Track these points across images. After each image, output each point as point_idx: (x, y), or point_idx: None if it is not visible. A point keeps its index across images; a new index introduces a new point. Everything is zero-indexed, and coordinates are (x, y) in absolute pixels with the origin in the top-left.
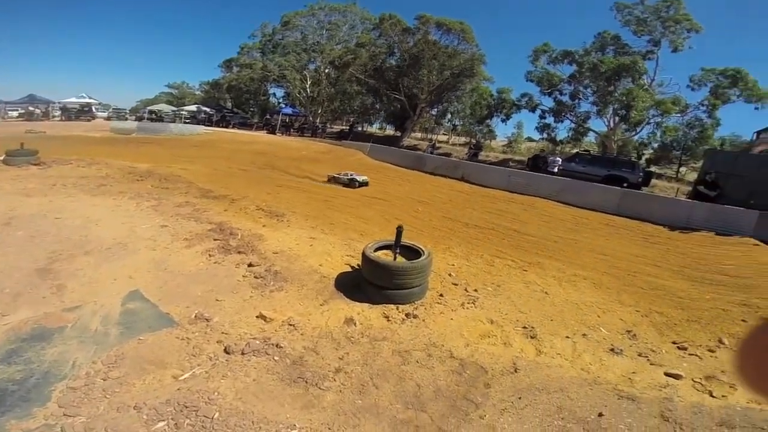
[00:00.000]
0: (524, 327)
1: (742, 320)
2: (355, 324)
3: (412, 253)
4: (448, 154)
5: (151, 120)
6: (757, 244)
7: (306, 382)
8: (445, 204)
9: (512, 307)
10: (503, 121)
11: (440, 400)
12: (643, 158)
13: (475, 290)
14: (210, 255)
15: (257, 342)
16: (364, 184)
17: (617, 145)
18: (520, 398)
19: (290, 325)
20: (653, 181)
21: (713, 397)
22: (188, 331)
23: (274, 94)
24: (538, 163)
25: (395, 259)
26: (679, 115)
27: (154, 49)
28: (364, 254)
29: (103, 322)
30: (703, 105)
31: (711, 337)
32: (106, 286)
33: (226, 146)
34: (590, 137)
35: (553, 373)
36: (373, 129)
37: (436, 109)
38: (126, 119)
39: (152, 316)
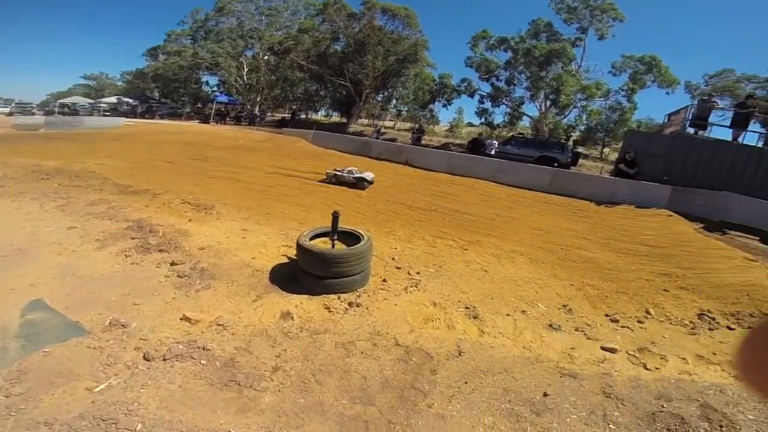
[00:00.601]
0: (466, 307)
1: (664, 290)
2: (292, 318)
3: (352, 238)
4: (393, 140)
5: (63, 114)
6: (671, 215)
7: (239, 384)
8: (389, 188)
9: (454, 287)
10: (444, 106)
11: (388, 392)
12: (571, 140)
13: (418, 273)
14: (126, 256)
15: (180, 346)
16: (371, 182)
17: (548, 128)
18: (466, 383)
19: (219, 325)
20: (581, 161)
21: (648, 369)
22: (101, 340)
23: (207, 83)
24: (476, 146)
25: (333, 246)
26: (602, 99)
27: (69, 39)
28: (298, 243)
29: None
30: (623, 90)
31: (639, 307)
32: (2, 298)
33: (150, 138)
34: (525, 121)
35: (496, 353)
36: (319, 116)
37: (381, 95)
38: (32, 114)
39: (59, 326)
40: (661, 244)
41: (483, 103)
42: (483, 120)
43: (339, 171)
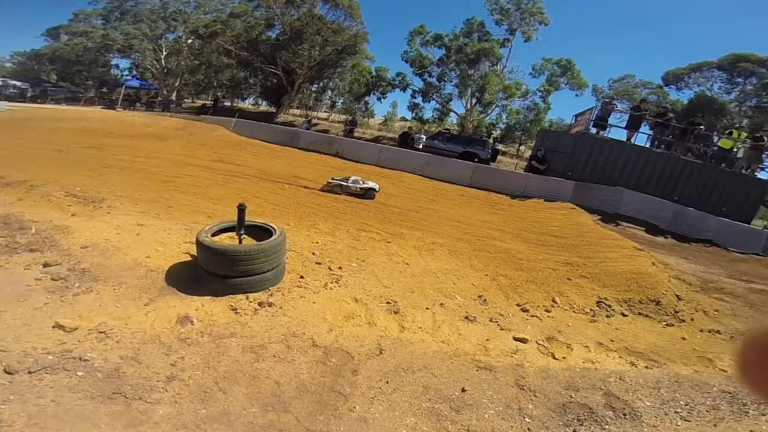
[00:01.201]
0: (388, 302)
1: (568, 278)
2: (192, 322)
3: (263, 233)
4: (326, 131)
5: None
6: (574, 208)
7: (126, 396)
8: (316, 180)
9: (376, 282)
10: (379, 99)
11: (305, 397)
12: (492, 137)
13: (340, 268)
14: None
15: (51, 357)
16: (378, 191)
17: (473, 125)
18: (387, 382)
19: (101, 332)
20: (500, 157)
21: (556, 359)
22: None
23: (117, 66)
24: (406, 140)
25: (240, 242)
26: (521, 99)
27: None
28: (197, 240)
29: None
30: (539, 91)
31: (546, 296)
32: None
33: (39, 125)
34: (452, 118)
35: (416, 349)
36: (246, 105)
37: (316, 86)
38: None
39: None
40: (565, 234)
41: (415, 98)
42: (414, 115)
43: (344, 181)
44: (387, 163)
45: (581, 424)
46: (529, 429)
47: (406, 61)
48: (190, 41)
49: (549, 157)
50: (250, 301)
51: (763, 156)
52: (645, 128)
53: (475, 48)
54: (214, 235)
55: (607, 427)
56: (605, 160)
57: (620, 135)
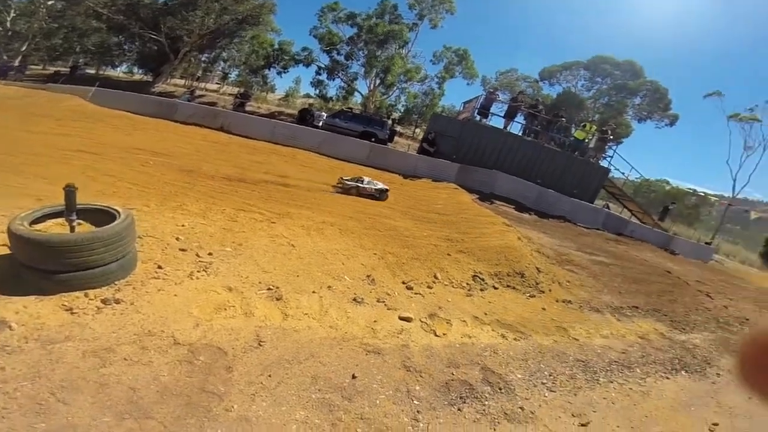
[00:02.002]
0: (269, 288)
1: (448, 254)
2: (10, 327)
3: (105, 217)
4: (213, 104)
5: None
6: (457, 188)
7: None
8: (190, 155)
9: (255, 267)
10: (279, 74)
11: (170, 400)
12: (391, 119)
13: (210, 254)
14: None
15: None
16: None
17: (375, 105)
18: (270, 376)
19: None
20: (397, 138)
21: (437, 336)
22: None
23: None
24: (305, 116)
25: (73, 229)
26: (419, 83)
27: None
28: (9, 230)
29: None
30: (437, 77)
31: (428, 273)
32: None
33: None
34: (357, 98)
35: (302, 337)
36: (117, 73)
37: (206, 55)
38: None
39: None
40: (448, 212)
41: (320, 74)
42: (318, 92)
43: (359, 182)
44: (281, 140)
45: (464, 402)
46: (418, 411)
47: (315, 37)
48: (50, 2)
49: (438, 140)
50: (91, 299)
51: (606, 147)
52: (520, 118)
53: (385, 29)
54: (36, 222)
55: (486, 402)
56: (485, 146)
57: (500, 123)
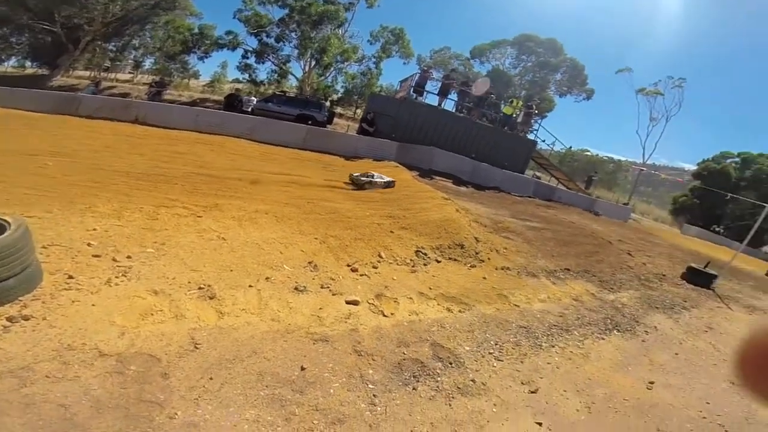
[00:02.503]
0: (200, 288)
1: (391, 231)
2: None
3: None
4: (125, 95)
5: None
6: (397, 166)
7: None
8: (99, 152)
9: (182, 266)
10: (201, 59)
11: (107, 413)
12: (329, 100)
13: (129, 257)
14: None
15: None
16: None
17: (312, 88)
18: (212, 378)
19: None
20: (337, 119)
21: (385, 316)
22: None
23: None
24: (233, 102)
25: None
26: (357, 64)
27: None
28: None
29: None
30: (374, 57)
31: (373, 252)
32: None
33: None
34: (292, 81)
35: (241, 335)
36: (6, 68)
37: (114, 44)
38: None
39: None
40: (389, 190)
41: (247, 58)
42: (247, 76)
43: (371, 177)
44: (207, 128)
45: (418, 381)
46: (374, 395)
47: (240, 20)
48: None
49: (377, 120)
50: None
51: (532, 121)
52: (453, 95)
53: (319, 9)
54: None
55: (439, 378)
56: (422, 123)
57: (435, 101)
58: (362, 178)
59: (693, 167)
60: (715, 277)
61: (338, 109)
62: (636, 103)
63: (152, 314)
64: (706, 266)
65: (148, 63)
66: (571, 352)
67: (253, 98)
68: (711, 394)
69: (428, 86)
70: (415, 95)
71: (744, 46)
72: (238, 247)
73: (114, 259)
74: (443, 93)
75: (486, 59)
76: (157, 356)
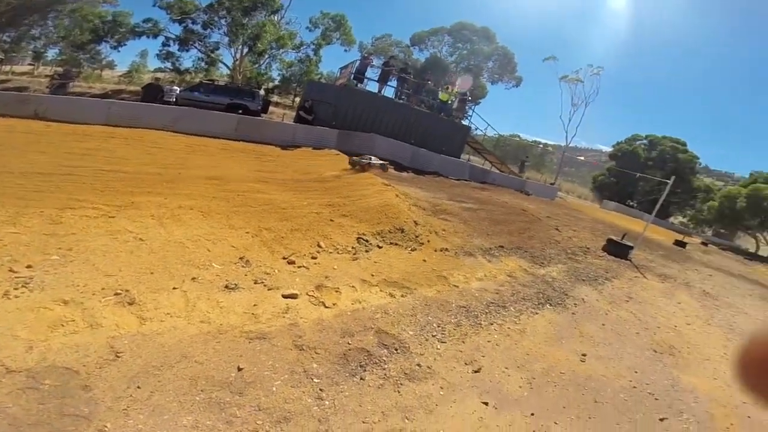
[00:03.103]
0: (116, 293)
1: (331, 220)
2: None
3: None
4: (23, 88)
5: None
6: (338, 153)
7: None
8: None
9: (94, 272)
10: (114, 48)
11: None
12: (263, 88)
13: (30, 266)
14: None
15: None
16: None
17: (244, 76)
18: (139, 387)
19: None
20: (273, 108)
21: (327, 307)
22: None
23: None
24: (152, 93)
25: None
26: (294, 51)
27: None
28: None
29: None
30: (313, 44)
31: (312, 243)
32: None
33: None
34: (223, 69)
35: (168, 340)
36: None
37: (9, 35)
38: None
39: None
40: (329, 178)
41: (168, 45)
42: (169, 65)
43: (369, 159)
44: (122, 122)
45: (365, 370)
46: (320, 390)
47: (161, 7)
48: None
49: (316, 107)
50: None
51: (466, 107)
52: (393, 82)
53: None
54: None
55: (386, 366)
56: (362, 110)
57: (375, 88)
58: (362, 161)
59: (609, 149)
60: (631, 248)
61: (275, 98)
62: (560, 90)
63: (63, 325)
64: (622, 238)
65: (51, 54)
66: (509, 328)
67: (176, 87)
68: (638, 363)
69: (369, 73)
70: (355, 82)
71: (654, 37)
72: (158, 248)
73: (11, 270)
74: (383, 80)
75: (425, 46)
76: (74, 369)
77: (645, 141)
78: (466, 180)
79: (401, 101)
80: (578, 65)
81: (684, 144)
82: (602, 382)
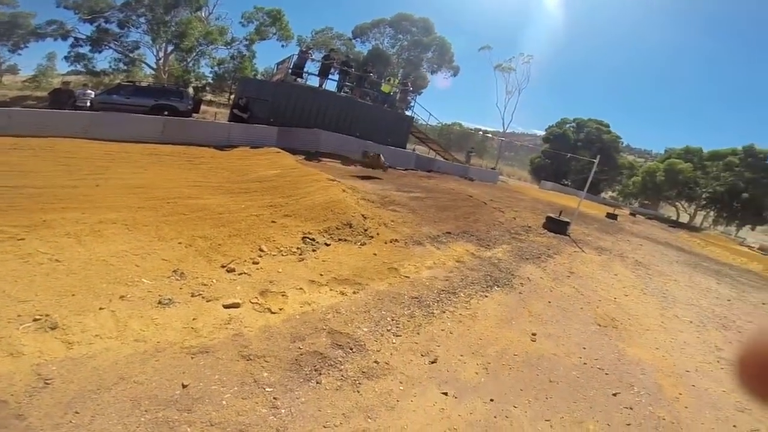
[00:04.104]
0: (35, 319)
1: (272, 221)
2: None
3: None
4: None
5: None
6: (279, 151)
7: None
8: None
9: (6, 299)
10: (13, 51)
11: None
12: (191, 87)
13: None
14: None
15: None
16: None
17: (172, 75)
18: (77, 413)
19: None
20: (205, 107)
21: (273, 313)
22: None
23: None
24: (61, 98)
25: None
26: (226, 47)
27: None
28: None
29: None
30: (246, 39)
31: (252, 247)
32: None
33: None
34: (148, 69)
35: (101, 362)
36: None
37: None
38: None
39: None
40: (269, 178)
41: (81, 47)
42: (81, 67)
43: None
44: (26, 131)
45: (320, 374)
46: (274, 398)
47: (67, 8)
48: None
49: (252, 105)
50: None
51: (408, 98)
52: (335, 76)
53: None
54: None
55: (342, 366)
56: (303, 105)
57: (316, 82)
58: (372, 154)
59: (543, 133)
60: (568, 223)
61: (208, 96)
62: (494, 78)
63: None
64: (560, 215)
65: None
66: (461, 314)
67: (90, 91)
68: (585, 339)
69: (310, 67)
70: (294, 77)
71: (578, 26)
72: (78, 268)
73: None
74: (323, 73)
75: (367, 38)
76: (2, 399)
77: (573, 124)
78: (413, 170)
79: (345, 94)
80: (512, 54)
81: (607, 125)
82: (554, 360)
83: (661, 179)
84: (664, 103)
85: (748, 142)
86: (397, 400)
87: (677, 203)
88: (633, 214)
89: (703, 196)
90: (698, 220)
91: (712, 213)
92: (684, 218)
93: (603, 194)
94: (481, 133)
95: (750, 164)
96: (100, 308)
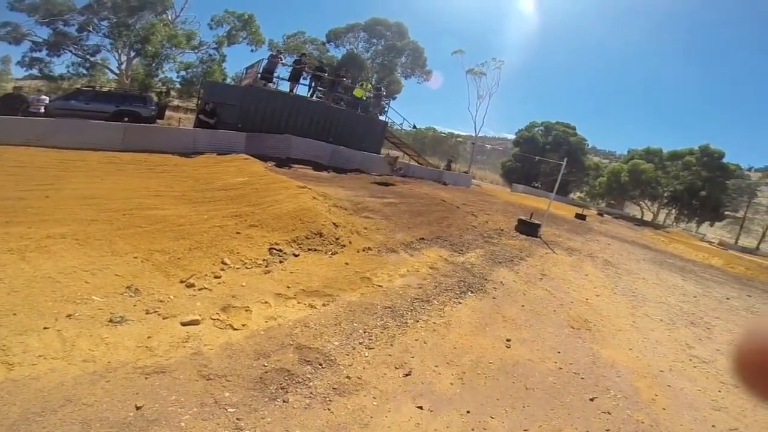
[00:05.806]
0: None
1: (237, 232)
2: None
3: None
4: None
5: None
6: (247, 158)
7: None
8: None
9: None
10: None
11: None
12: (158, 92)
13: None
14: None
15: None
16: None
17: (138, 80)
18: None
19: None
20: (171, 113)
21: (236, 329)
22: None
23: None
24: (13, 104)
25: None
26: (193, 51)
27: None
28: None
29: None
30: (214, 43)
31: (214, 260)
32: None
33: None
34: (110, 74)
35: (46, 384)
36: None
37: None
38: None
39: None
40: (236, 186)
41: (37, 51)
42: (38, 71)
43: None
44: None
45: (287, 391)
46: (237, 419)
47: (20, 10)
48: None
49: (219, 110)
50: None
51: (382, 102)
52: (306, 80)
53: None
54: None
55: (311, 383)
56: (273, 110)
57: (287, 87)
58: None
59: (513, 136)
60: (539, 226)
61: (175, 102)
62: (466, 83)
63: None
64: (531, 217)
65: None
66: (435, 323)
67: (44, 97)
68: (559, 343)
69: (281, 72)
70: (263, 82)
71: (548, 31)
72: (21, 286)
73: None
74: (294, 78)
75: (341, 43)
76: None
77: (541, 127)
78: (388, 175)
79: (317, 99)
80: (484, 58)
81: (574, 128)
82: (529, 366)
83: (626, 179)
84: (626, 106)
85: (704, 142)
86: (371, 417)
87: (641, 202)
88: (600, 214)
89: (665, 194)
90: (661, 218)
91: (673, 211)
92: (648, 216)
93: (571, 195)
94: (453, 137)
95: (706, 163)
96: (45, 327)
